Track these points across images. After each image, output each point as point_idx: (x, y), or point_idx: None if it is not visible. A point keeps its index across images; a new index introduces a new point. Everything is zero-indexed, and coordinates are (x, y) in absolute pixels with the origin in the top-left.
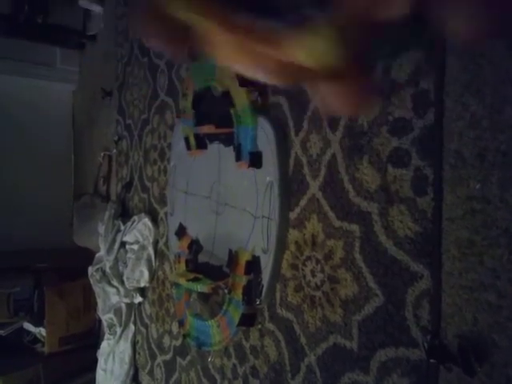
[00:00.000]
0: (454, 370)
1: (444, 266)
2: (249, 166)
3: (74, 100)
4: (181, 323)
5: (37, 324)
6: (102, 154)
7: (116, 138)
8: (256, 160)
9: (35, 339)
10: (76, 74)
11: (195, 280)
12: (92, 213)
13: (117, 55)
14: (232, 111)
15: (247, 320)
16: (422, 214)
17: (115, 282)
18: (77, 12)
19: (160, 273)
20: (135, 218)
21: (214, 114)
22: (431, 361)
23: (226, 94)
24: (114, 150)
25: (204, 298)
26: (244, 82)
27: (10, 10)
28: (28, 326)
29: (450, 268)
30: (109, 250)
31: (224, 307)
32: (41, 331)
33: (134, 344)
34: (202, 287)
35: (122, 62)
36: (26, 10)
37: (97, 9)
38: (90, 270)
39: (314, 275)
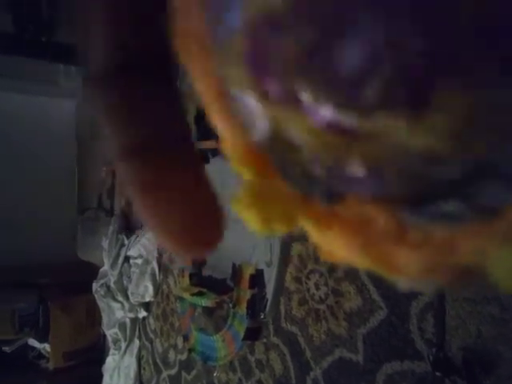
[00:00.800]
0: (458, 383)
1: None
2: None
3: (77, 115)
4: (186, 338)
5: (41, 340)
6: (105, 169)
7: None
8: None
9: (40, 355)
10: (79, 90)
11: (199, 294)
12: (96, 227)
13: None
14: None
15: (252, 334)
16: None
17: (120, 297)
18: None
19: (164, 287)
20: (139, 232)
21: (214, 131)
22: (437, 374)
23: None
24: None
25: (208, 312)
26: None
27: (15, 29)
28: (33, 342)
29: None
30: (113, 265)
31: (229, 321)
32: (45, 347)
33: (139, 359)
34: (207, 302)
35: None
36: (31, 29)
37: None
38: (95, 285)
39: (317, 288)
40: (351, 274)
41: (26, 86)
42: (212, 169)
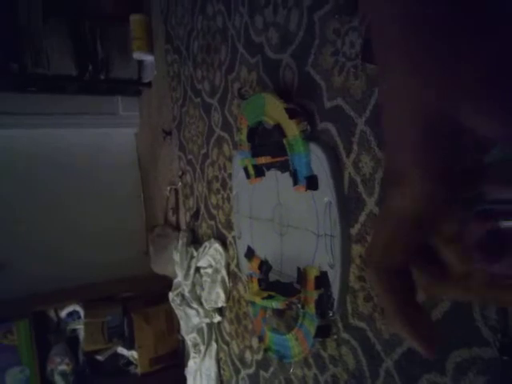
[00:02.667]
0: None
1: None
2: (306, 189)
3: (138, 142)
4: (260, 339)
5: (129, 348)
6: (168, 188)
7: (180, 173)
8: (312, 183)
9: (129, 362)
10: (137, 118)
11: (269, 298)
12: (165, 242)
13: (172, 97)
14: (284, 141)
15: (322, 331)
16: None
17: (195, 305)
18: (132, 64)
19: (235, 293)
20: (206, 243)
21: (268, 145)
22: (504, 358)
23: (278, 127)
24: (180, 184)
25: (279, 313)
26: (293, 114)
27: (77, 71)
28: (122, 350)
29: None
30: (185, 276)
31: (299, 321)
32: (133, 354)
33: (218, 361)
34: (277, 304)
35: (178, 104)
36: (90, 70)
37: (149, 58)
38: (171, 295)
39: None
40: None
41: (90, 120)
42: (267, 180)
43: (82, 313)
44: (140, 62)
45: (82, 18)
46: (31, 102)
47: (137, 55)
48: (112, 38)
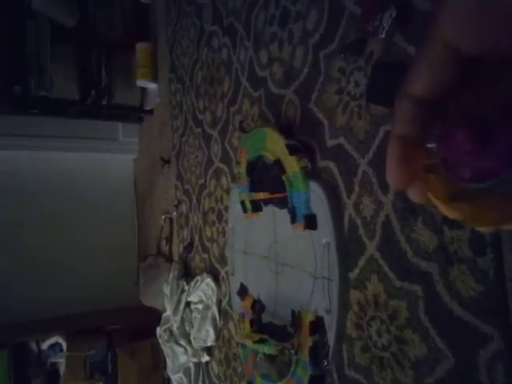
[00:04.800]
0: None
1: None
2: (304, 228)
3: (135, 168)
4: None
5: None
6: (163, 217)
7: (176, 202)
8: (311, 222)
9: None
10: (136, 145)
11: (261, 341)
12: (157, 273)
13: (172, 126)
14: (284, 177)
15: (316, 381)
16: (484, 274)
17: (183, 342)
18: (135, 90)
19: (225, 332)
20: (198, 278)
21: (267, 181)
22: None
23: (278, 162)
24: (175, 213)
25: (271, 358)
26: (294, 150)
27: (79, 95)
28: None
29: None
30: (175, 311)
31: (292, 368)
32: None
33: None
34: (269, 349)
35: (178, 133)
36: (93, 95)
37: (152, 86)
38: (159, 330)
39: (380, 335)
40: (412, 320)
41: (90, 144)
42: (264, 216)
43: (64, 345)
44: (143, 90)
45: (90, 44)
46: (32, 124)
47: (141, 83)
48: (117, 65)
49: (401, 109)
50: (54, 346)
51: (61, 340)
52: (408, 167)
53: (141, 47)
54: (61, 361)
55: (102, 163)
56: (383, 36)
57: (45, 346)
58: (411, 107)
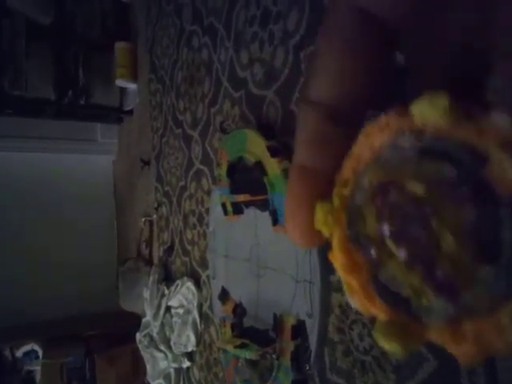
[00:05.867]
0: None
1: None
2: (286, 231)
3: (115, 170)
4: None
5: None
6: (143, 220)
7: (156, 205)
8: None
9: None
10: (115, 146)
11: (242, 346)
12: (136, 277)
13: (152, 127)
14: (265, 179)
15: None
16: None
17: (163, 347)
18: (114, 90)
19: (206, 336)
20: (178, 281)
21: (248, 183)
22: None
23: (259, 164)
24: (155, 216)
25: (252, 363)
26: (275, 152)
27: (56, 95)
28: None
29: None
30: (155, 315)
31: (274, 373)
32: None
33: None
34: (250, 354)
35: (158, 134)
36: (70, 94)
37: (132, 86)
38: (138, 335)
39: (361, 339)
40: None
41: (68, 145)
42: (246, 218)
43: (40, 352)
44: (122, 90)
45: (67, 43)
46: (6, 124)
47: (120, 83)
48: (95, 65)
49: (305, 123)
50: (30, 353)
51: (36, 347)
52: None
53: (120, 46)
54: (36, 368)
55: (80, 164)
56: None
57: (20, 353)
58: (318, 121)
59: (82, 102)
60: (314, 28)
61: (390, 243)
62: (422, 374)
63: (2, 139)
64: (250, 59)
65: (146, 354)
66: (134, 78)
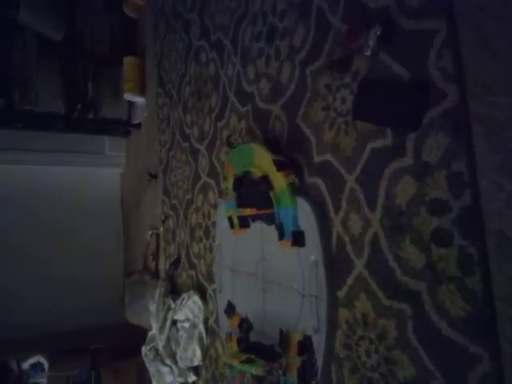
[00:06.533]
0: None
1: (503, 348)
2: (292, 245)
3: (122, 182)
4: None
5: None
6: (150, 233)
7: (163, 218)
8: (299, 239)
9: None
10: (123, 159)
11: (249, 361)
12: (143, 290)
13: (160, 140)
14: (271, 193)
15: None
16: (472, 293)
17: (169, 361)
18: (122, 104)
19: (212, 351)
20: (185, 295)
21: (254, 196)
22: None
23: (265, 178)
24: (162, 229)
25: (258, 379)
26: (281, 166)
27: (65, 109)
28: None
29: (509, 350)
30: (161, 329)
31: None
32: None
33: None
34: (257, 369)
35: (165, 147)
36: (79, 108)
37: (139, 100)
38: (144, 349)
39: (369, 356)
40: (401, 340)
41: (77, 158)
42: (252, 232)
43: (46, 365)
44: (130, 104)
45: (77, 58)
46: (16, 137)
47: (128, 96)
48: (104, 79)
49: None
50: (36, 366)
51: (42, 359)
52: None
53: (128, 61)
54: (42, 381)
55: (88, 177)
56: (369, 53)
57: (26, 365)
58: None
59: (91, 116)
60: (320, 44)
61: None
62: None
63: (9, 152)
64: (257, 74)
65: (151, 368)
66: (142, 91)
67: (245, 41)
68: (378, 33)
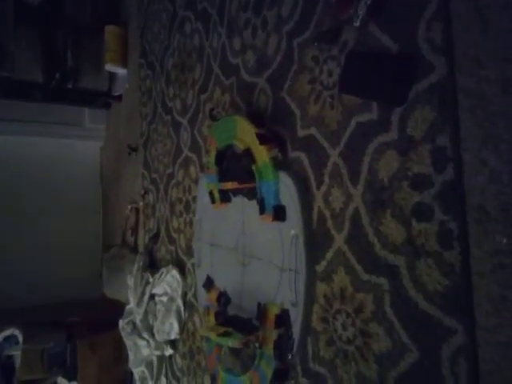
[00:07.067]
0: None
1: (478, 322)
2: (273, 220)
3: (102, 156)
4: (213, 378)
5: (70, 378)
6: (129, 207)
7: (143, 192)
8: (280, 213)
9: None
10: (103, 132)
11: (226, 334)
12: (121, 264)
13: (141, 113)
14: (254, 167)
15: (280, 375)
16: (450, 267)
17: (146, 335)
18: (103, 75)
19: (190, 325)
20: (163, 269)
21: (236, 170)
22: None
23: (247, 151)
24: (141, 203)
25: (235, 351)
26: (264, 140)
27: (43, 78)
28: (62, 381)
29: (484, 323)
30: (139, 303)
31: (256, 362)
32: None
33: None
34: (233, 342)
35: (146, 120)
36: (58, 78)
37: (121, 71)
38: (121, 322)
39: (345, 329)
40: (378, 314)
41: (55, 129)
42: (233, 207)
43: (20, 337)
44: (112, 75)
45: (56, 25)
46: None
47: (109, 67)
48: (84, 48)
49: None
50: (10, 338)
51: (17, 332)
52: None
53: (110, 30)
54: (16, 353)
55: (67, 149)
56: (358, 24)
57: (0, 338)
58: None
59: (70, 86)
60: (309, 15)
61: None
62: (404, 365)
63: None
64: (243, 46)
65: (128, 341)
66: (124, 62)
67: (231, 11)
68: (368, 2)
